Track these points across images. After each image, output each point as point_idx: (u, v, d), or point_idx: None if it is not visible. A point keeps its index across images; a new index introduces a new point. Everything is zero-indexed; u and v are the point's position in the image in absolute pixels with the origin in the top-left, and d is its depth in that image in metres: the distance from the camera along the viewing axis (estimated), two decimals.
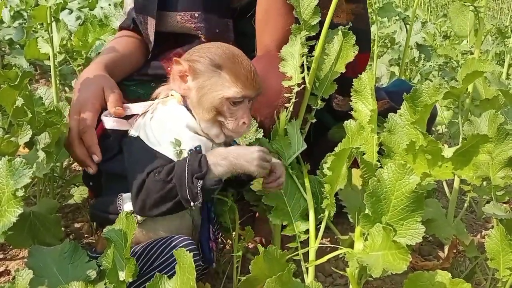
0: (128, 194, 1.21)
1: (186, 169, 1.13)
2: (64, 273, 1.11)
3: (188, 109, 1.21)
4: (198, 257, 1.16)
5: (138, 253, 1.18)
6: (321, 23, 1.30)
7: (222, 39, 1.57)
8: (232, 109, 1.17)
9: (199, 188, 1.11)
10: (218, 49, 1.19)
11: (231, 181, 1.22)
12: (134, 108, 1.33)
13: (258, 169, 1.15)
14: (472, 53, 1.63)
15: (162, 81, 1.63)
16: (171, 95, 1.25)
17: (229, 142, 1.26)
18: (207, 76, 1.17)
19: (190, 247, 1.13)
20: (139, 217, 1.20)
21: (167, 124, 1.20)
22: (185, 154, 1.17)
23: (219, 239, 1.42)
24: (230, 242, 1.47)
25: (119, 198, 1.23)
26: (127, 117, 1.33)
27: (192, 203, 1.13)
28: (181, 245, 1.14)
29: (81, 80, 1.46)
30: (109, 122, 1.31)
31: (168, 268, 1.14)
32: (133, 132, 1.26)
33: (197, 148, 1.18)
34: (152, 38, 1.61)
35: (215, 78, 1.16)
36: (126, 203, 1.22)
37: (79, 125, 1.36)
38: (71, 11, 3.86)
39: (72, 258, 1.14)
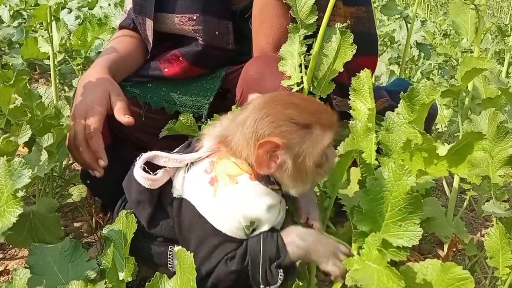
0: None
1: (262, 254, 1.02)
2: (64, 272, 1.11)
3: (263, 181, 1.06)
4: None
5: None
6: (318, 26, 1.29)
7: (221, 41, 1.58)
8: (327, 153, 1.08)
9: (280, 278, 1.02)
10: (291, 108, 1.05)
11: None
12: (170, 160, 1.11)
13: (333, 266, 1.05)
14: (471, 52, 1.63)
15: (157, 82, 1.65)
16: (232, 161, 1.06)
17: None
18: (300, 140, 1.03)
19: None
20: None
21: (242, 209, 1.04)
22: (260, 226, 1.06)
23: None
24: None
25: (170, 251, 1.12)
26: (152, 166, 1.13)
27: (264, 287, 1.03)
28: None
29: (84, 82, 1.46)
30: (143, 181, 1.10)
31: None
32: (177, 192, 1.10)
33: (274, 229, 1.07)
34: (150, 39, 1.61)
35: (309, 139, 1.03)
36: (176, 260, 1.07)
37: (86, 130, 1.36)
38: (70, 10, 3.85)
39: (73, 257, 1.13)
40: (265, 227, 1.05)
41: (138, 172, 1.09)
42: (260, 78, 1.37)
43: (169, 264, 1.12)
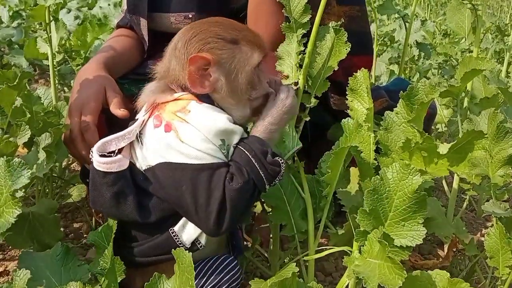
0: (179, 226, 1.07)
1: (253, 158, 1.03)
2: (57, 276, 1.10)
3: (210, 103, 1.08)
4: (239, 274, 1.11)
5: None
6: (312, 25, 1.29)
7: None
8: (259, 73, 1.11)
9: (282, 165, 1.05)
10: (215, 26, 1.08)
11: None
12: (120, 141, 1.09)
13: (297, 108, 1.17)
14: (471, 51, 1.63)
15: None
16: (172, 100, 1.07)
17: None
18: (230, 56, 1.06)
19: (235, 267, 1.10)
20: (203, 241, 1.08)
21: (206, 130, 1.03)
22: (231, 147, 1.07)
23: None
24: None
25: (173, 234, 1.07)
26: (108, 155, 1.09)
27: (273, 183, 1.07)
28: (225, 263, 1.09)
29: (80, 78, 1.46)
30: (101, 166, 1.06)
31: None
32: (144, 163, 1.07)
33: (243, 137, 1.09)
34: (146, 38, 1.61)
35: (238, 54, 1.07)
36: (184, 234, 1.07)
37: (81, 124, 1.36)
38: (69, 11, 3.86)
39: (65, 261, 1.12)
40: (236, 138, 1.07)
41: (95, 160, 1.06)
42: None
43: (180, 244, 1.06)
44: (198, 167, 1.02)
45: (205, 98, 1.07)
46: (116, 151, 1.07)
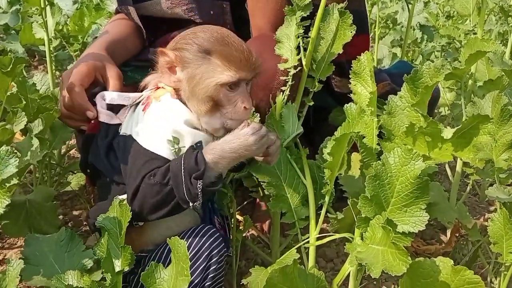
0: (124, 196, 1.12)
1: (182, 168, 1.04)
2: (60, 262, 1.10)
3: (184, 103, 1.12)
4: (221, 242, 1.12)
5: (166, 251, 1.12)
6: (316, 6, 1.26)
7: (218, 22, 1.53)
8: (230, 95, 1.09)
9: (199, 189, 1.03)
10: (205, 33, 1.10)
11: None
12: (120, 98, 1.23)
13: (259, 151, 1.08)
14: (475, 33, 1.60)
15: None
16: (162, 87, 1.15)
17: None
18: (197, 64, 1.08)
19: (215, 234, 1.12)
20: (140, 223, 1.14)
21: (162, 121, 1.10)
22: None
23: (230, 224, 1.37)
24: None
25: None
26: (114, 110, 1.24)
27: (191, 204, 1.05)
28: (208, 234, 1.11)
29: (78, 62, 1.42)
30: (102, 116, 1.22)
31: (200, 260, 1.09)
32: (124, 130, 1.17)
33: (198, 144, 1.10)
34: (140, 25, 1.58)
35: (205, 65, 1.07)
36: None
37: (67, 86, 1.28)
38: None
39: (69, 247, 1.12)
40: (187, 142, 1.08)
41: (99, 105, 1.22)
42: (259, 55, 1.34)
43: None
44: (142, 149, 1.09)
45: (178, 94, 1.13)
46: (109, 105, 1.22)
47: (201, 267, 1.08)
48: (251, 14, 1.47)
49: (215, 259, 1.10)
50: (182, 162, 1.04)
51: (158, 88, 1.16)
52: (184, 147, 1.09)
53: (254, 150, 1.06)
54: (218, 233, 1.13)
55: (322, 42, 1.27)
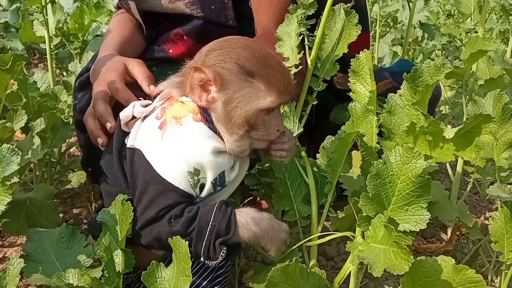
0: None
1: (210, 226, 0.98)
2: (61, 259, 1.10)
3: (208, 123, 1.02)
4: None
5: None
6: (322, 4, 1.25)
7: (220, 17, 1.53)
8: (266, 118, 1.02)
9: (221, 256, 0.98)
10: (246, 50, 1.00)
11: None
12: (129, 108, 1.12)
13: (276, 251, 1.04)
14: (476, 32, 1.59)
15: (163, 65, 1.59)
16: (181, 102, 1.04)
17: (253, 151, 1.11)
18: (237, 86, 0.98)
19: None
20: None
21: (185, 152, 1.00)
22: (205, 184, 1.02)
23: None
24: None
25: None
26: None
27: (202, 259, 1.00)
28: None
29: (96, 71, 1.38)
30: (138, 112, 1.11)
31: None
32: (131, 143, 1.07)
33: (221, 175, 1.03)
34: (141, 21, 1.57)
35: (247, 89, 0.98)
36: None
37: (110, 85, 1.26)
38: None
39: (70, 243, 1.13)
40: (209, 177, 1.02)
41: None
42: None
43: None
44: (158, 177, 1.00)
45: (206, 113, 1.03)
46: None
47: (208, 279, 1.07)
48: (255, 11, 1.46)
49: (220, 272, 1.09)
50: (212, 219, 0.98)
51: (171, 98, 1.07)
52: (205, 178, 1.02)
53: (275, 246, 1.04)
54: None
55: (328, 41, 1.26)
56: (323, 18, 1.23)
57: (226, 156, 1.04)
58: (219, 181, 1.04)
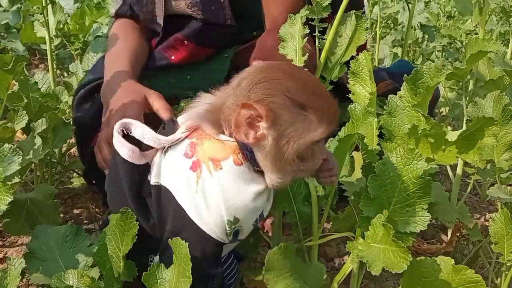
0: (157, 258, 1.03)
1: None
2: (65, 258, 1.11)
3: (251, 161, 0.95)
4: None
5: None
6: (336, 5, 1.24)
7: (218, 17, 1.53)
8: (314, 149, 0.95)
9: None
10: (293, 81, 0.92)
11: None
12: (150, 138, 1.01)
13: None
14: (476, 33, 1.59)
15: (165, 72, 1.59)
16: (218, 140, 0.95)
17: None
18: (290, 121, 0.90)
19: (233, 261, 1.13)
20: None
21: (226, 203, 0.94)
22: (240, 230, 0.98)
23: None
24: None
25: (150, 260, 1.04)
26: (138, 145, 1.04)
27: None
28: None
29: (110, 94, 1.39)
30: (124, 151, 1.02)
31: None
32: (155, 180, 0.99)
33: (260, 214, 0.99)
34: (160, 19, 1.56)
35: (300, 123, 0.91)
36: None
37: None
38: None
39: (74, 243, 1.13)
40: (248, 224, 0.98)
41: (116, 138, 1.00)
42: (275, 52, 1.27)
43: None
44: (192, 226, 0.95)
45: (248, 152, 0.94)
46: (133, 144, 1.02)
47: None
48: (265, 3, 1.44)
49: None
50: None
51: (198, 131, 0.98)
52: (241, 226, 0.97)
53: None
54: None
55: (337, 44, 1.26)
56: (335, 21, 1.23)
57: (265, 195, 0.99)
58: (259, 219, 1.01)
